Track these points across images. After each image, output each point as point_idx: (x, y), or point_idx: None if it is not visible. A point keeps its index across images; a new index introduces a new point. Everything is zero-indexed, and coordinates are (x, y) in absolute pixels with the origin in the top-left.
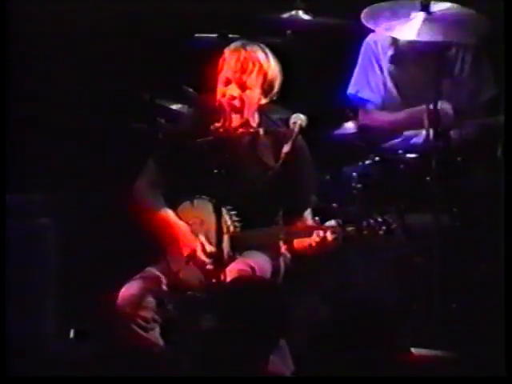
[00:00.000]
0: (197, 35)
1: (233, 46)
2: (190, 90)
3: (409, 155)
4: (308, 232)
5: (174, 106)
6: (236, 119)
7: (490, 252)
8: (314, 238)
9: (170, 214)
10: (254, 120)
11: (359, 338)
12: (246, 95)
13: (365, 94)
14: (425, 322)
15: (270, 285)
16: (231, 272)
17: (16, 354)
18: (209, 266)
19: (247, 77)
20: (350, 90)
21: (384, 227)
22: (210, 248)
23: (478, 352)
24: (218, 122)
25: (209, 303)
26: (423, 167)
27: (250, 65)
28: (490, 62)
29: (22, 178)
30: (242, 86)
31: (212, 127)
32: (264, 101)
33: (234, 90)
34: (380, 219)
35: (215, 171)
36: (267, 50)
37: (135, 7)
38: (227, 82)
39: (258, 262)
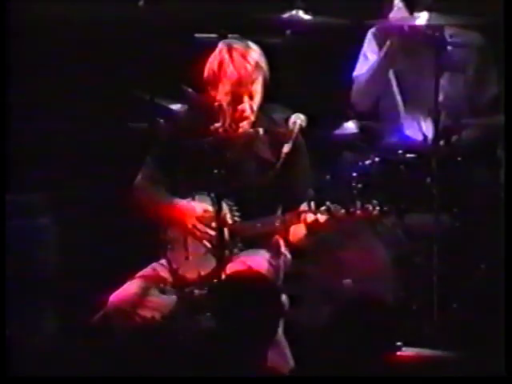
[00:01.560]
0: (197, 35)
1: (225, 48)
2: (190, 90)
3: (409, 155)
4: (300, 218)
5: (174, 106)
6: (246, 125)
7: (489, 252)
8: (306, 220)
9: (172, 199)
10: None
11: (358, 337)
12: (255, 102)
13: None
14: (425, 322)
15: (267, 282)
16: (229, 271)
17: (16, 354)
18: (211, 232)
19: (253, 86)
20: (355, 73)
21: (378, 207)
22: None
23: (478, 352)
24: (218, 122)
25: (207, 301)
26: (423, 167)
27: (255, 73)
28: (493, 62)
29: (22, 178)
30: (251, 96)
31: (212, 127)
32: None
33: (245, 104)
34: (374, 201)
35: (215, 171)
36: (254, 46)
37: (135, 7)
38: (235, 95)
39: (256, 261)
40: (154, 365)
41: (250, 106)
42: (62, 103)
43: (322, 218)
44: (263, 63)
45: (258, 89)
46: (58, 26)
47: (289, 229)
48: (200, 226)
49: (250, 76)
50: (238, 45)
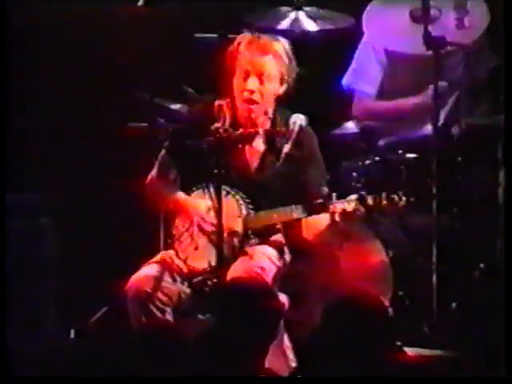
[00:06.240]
0: (197, 35)
1: (247, 38)
2: (190, 90)
3: (409, 155)
4: (324, 207)
5: (174, 106)
6: (256, 112)
7: (489, 252)
8: (334, 212)
9: (181, 195)
10: (272, 110)
11: (358, 338)
12: (265, 87)
13: (361, 86)
14: (425, 322)
15: (264, 284)
16: (236, 271)
17: (16, 354)
18: (213, 228)
19: (266, 69)
20: (345, 81)
21: (404, 198)
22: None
23: (478, 352)
24: (218, 122)
25: (207, 303)
26: (423, 167)
27: (268, 56)
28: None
29: (21, 178)
30: (261, 79)
31: (212, 127)
32: (281, 90)
33: (253, 84)
34: (400, 192)
35: (215, 171)
36: (280, 38)
37: (135, 7)
38: (246, 76)
39: (260, 259)
40: (153, 365)
41: (259, 89)
42: (62, 103)
43: (349, 207)
44: (285, 56)
45: (270, 75)
46: (58, 26)
47: (304, 220)
48: (205, 225)
49: (263, 60)
50: (262, 36)
